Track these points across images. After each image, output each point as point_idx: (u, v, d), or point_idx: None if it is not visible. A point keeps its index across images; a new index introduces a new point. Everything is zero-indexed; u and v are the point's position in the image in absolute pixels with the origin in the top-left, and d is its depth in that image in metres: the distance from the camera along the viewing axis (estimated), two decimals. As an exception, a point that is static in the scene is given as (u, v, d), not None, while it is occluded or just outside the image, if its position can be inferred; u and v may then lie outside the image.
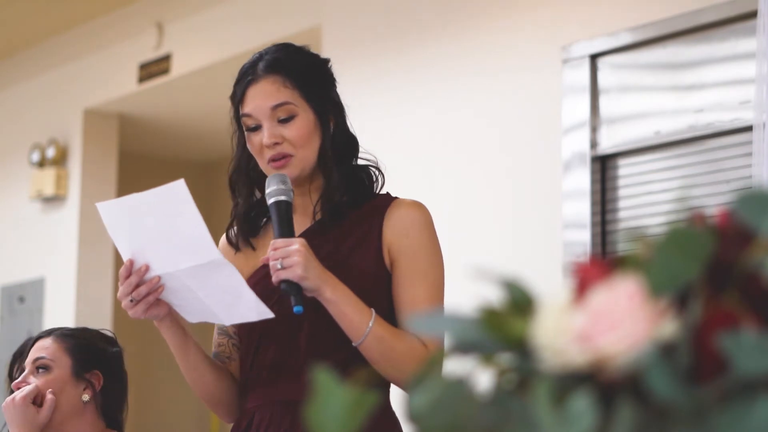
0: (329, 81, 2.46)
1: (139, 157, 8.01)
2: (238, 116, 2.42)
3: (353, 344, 2.29)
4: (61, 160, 7.09)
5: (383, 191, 2.47)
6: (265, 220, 2.49)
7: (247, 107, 2.38)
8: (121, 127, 7.26)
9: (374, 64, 5.26)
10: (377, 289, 2.35)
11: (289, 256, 2.21)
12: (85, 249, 6.89)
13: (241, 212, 2.46)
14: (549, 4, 4.62)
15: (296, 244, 2.23)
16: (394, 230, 2.37)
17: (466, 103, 4.85)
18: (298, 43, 2.50)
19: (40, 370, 2.81)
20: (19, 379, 2.84)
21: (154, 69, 6.58)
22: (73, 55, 7.11)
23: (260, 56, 2.41)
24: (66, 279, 6.96)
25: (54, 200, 7.13)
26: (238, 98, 2.41)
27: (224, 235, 2.50)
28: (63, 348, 2.81)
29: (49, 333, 2.87)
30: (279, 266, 2.21)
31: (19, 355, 3.19)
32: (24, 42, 7.32)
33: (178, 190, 2.14)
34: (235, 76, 2.43)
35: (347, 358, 2.30)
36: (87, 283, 6.88)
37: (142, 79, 6.66)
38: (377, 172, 2.46)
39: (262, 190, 2.40)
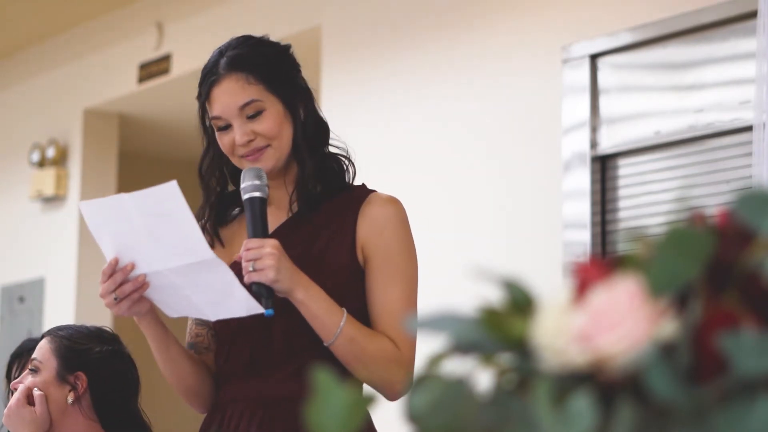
0: (294, 68, 2.42)
1: (139, 157, 8.01)
2: (205, 116, 2.39)
3: (324, 344, 2.27)
4: (61, 160, 7.09)
5: (358, 182, 2.44)
6: (237, 210, 2.45)
7: (215, 109, 2.35)
8: (121, 127, 7.26)
9: (374, 64, 5.26)
10: (352, 284, 2.33)
11: (261, 259, 2.19)
12: (85, 249, 6.88)
13: (213, 204, 2.42)
14: (549, 4, 4.62)
15: (268, 247, 2.20)
16: (369, 227, 2.34)
17: (466, 103, 4.85)
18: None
19: (32, 371, 2.81)
20: (18, 379, 2.84)
21: (154, 69, 6.58)
22: (73, 55, 7.11)
23: (220, 53, 2.37)
24: (66, 279, 6.95)
25: (54, 200, 7.13)
26: (203, 99, 2.37)
27: None
28: (51, 349, 2.79)
29: (48, 332, 2.86)
30: (251, 268, 2.19)
31: (17, 356, 3.18)
32: (24, 42, 7.32)
33: (170, 191, 2.14)
34: None
35: (321, 356, 2.29)
36: (87, 283, 6.87)
37: (142, 79, 6.66)
38: (347, 162, 2.43)
39: (237, 185, 2.36)
